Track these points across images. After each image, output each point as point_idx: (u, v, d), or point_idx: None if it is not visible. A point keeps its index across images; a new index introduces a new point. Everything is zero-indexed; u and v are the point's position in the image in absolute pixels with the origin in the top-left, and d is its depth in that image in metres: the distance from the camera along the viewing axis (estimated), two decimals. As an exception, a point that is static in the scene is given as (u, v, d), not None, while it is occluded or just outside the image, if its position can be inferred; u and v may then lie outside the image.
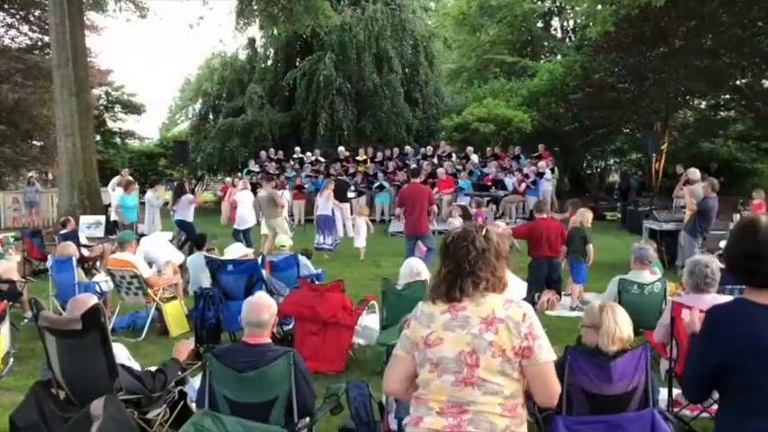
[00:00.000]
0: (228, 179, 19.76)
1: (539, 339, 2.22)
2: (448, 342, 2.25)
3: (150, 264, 7.86)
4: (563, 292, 8.25)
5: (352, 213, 14.18)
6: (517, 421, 2.24)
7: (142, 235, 10.43)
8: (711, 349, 2.10)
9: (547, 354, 2.23)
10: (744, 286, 2.18)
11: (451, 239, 2.37)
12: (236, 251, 7.56)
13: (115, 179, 15.60)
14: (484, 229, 2.39)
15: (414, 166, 17.71)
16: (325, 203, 12.13)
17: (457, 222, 10.82)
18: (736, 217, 10.86)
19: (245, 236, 11.38)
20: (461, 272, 2.29)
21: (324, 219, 11.97)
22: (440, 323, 2.29)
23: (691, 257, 4.78)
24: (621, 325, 3.23)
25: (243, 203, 11.93)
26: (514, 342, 2.19)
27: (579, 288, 8.06)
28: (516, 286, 6.21)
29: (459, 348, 2.22)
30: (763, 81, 19.97)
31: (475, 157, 18.11)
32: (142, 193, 14.11)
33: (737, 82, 18.93)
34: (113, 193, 13.61)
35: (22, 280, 7.75)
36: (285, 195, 13.12)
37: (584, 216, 8.20)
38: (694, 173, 10.10)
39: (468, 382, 2.21)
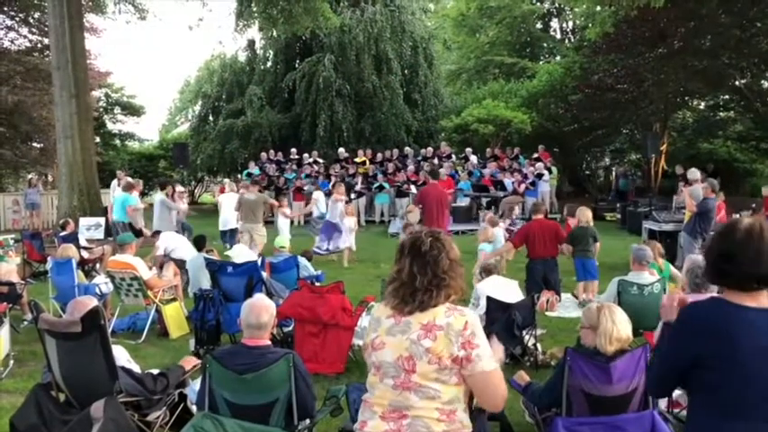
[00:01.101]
0: (227, 180, 19.77)
1: (477, 349, 2.22)
2: (389, 346, 2.29)
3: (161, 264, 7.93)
4: (574, 292, 8.28)
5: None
6: (455, 426, 2.26)
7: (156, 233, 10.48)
8: (684, 346, 2.08)
9: (486, 362, 2.23)
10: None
11: (428, 248, 2.34)
12: (241, 254, 7.56)
13: (114, 181, 15.63)
14: (448, 237, 2.42)
15: (412, 167, 17.75)
16: (333, 207, 11.98)
17: (499, 231, 10.43)
18: (735, 218, 10.88)
19: (230, 237, 11.54)
20: (441, 283, 2.30)
21: (330, 224, 11.79)
22: (384, 327, 2.33)
23: (689, 256, 4.78)
24: (619, 325, 3.23)
25: (225, 205, 12.08)
26: (452, 350, 2.21)
27: (595, 284, 8.09)
28: (513, 288, 6.22)
29: (398, 353, 2.26)
30: (762, 81, 20.01)
31: (474, 158, 18.12)
32: (141, 195, 14.08)
33: (736, 82, 18.96)
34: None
35: (22, 282, 7.73)
36: (320, 198, 13.04)
37: (586, 214, 8.23)
38: (694, 173, 10.11)
39: (405, 386, 2.24)
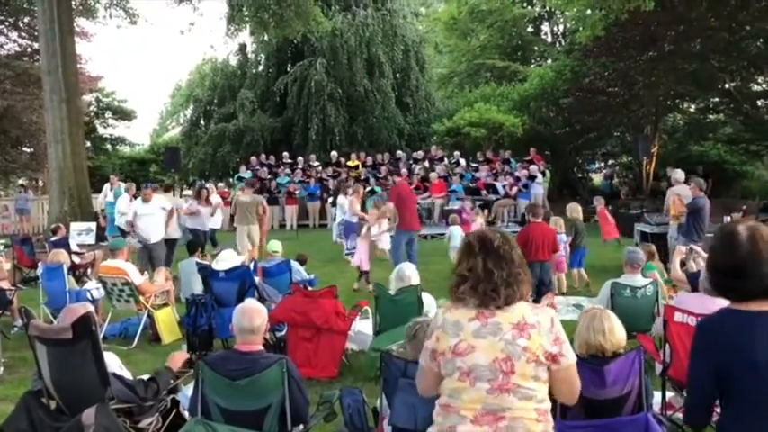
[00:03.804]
0: (221, 184, 19.71)
1: (565, 344, 2.26)
2: (480, 350, 2.23)
3: None
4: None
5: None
6: (550, 426, 2.26)
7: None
8: (704, 362, 2.06)
9: (572, 356, 2.28)
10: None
11: (500, 243, 2.35)
12: (228, 259, 7.52)
13: (107, 185, 15.57)
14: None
15: (404, 170, 17.76)
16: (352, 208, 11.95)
17: (456, 230, 10.72)
18: (727, 219, 10.91)
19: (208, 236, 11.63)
20: (518, 277, 2.30)
21: (351, 225, 11.81)
22: (469, 331, 2.26)
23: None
24: (590, 332, 3.22)
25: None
26: (546, 347, 2.21)
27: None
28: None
29: (493, 356, 2.21)
30: (752, 84, 20.14)
31: (463, 162, 18.15)
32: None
33: (726, 85, 19.07)
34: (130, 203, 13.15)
35: (12, 288, 7.68)
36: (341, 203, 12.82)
37: (579, 210, 9.44)
38: (678, 174, 10.17)
39: (503, 388, 2.20)
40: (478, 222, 10.86)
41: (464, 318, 2.29)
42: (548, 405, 2.26)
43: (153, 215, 9.54)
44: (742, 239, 2.06)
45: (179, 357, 4.26)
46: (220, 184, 18.97)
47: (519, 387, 2.19)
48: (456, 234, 10.31)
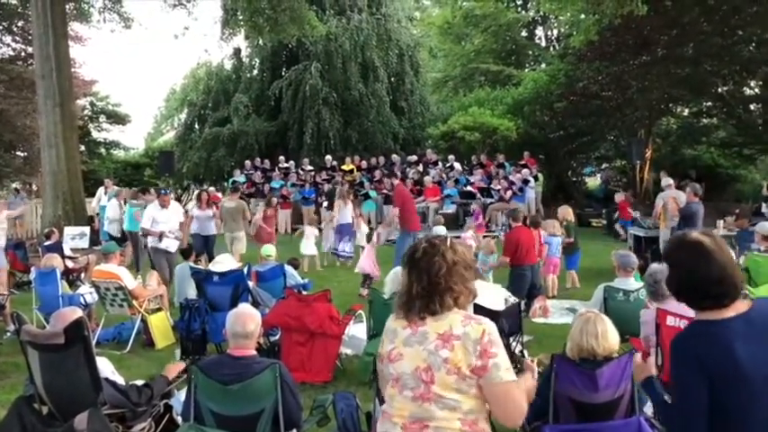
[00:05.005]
0: (212, 188, 19.69)
1: (494, 358, 2.17)
2: (407, 358, 2.26)
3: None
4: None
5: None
6: None
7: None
8: (696, 382, 1.97)
9: (503, 373, 2.17)
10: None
11: (421, 254, 2.34)
12: (224, 263, 7.52)
13: (101, 189, 15.51)
14: (449, 240, 2.40)
15: (399, 174, 17.80)
16: (345, 210, 11.92)
17: (442, 230, 10.77)
18: (720, 223, 10.95)
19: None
20: (437, 288, 2.27)
21: (345, 226, 11.81)
22: (401, 338, 2.30)
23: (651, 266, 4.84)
24: (585, 335, 3.24)
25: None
26: (470, 360, 2.17)
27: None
28: (501, 294, 6.21)
29: (416, 364, 2.23)
30: (744, 88, 20.24)
31: (458, 166, 18.17)
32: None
33: (719, 89, 19.16)
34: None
35: (5, 293, 7.65)
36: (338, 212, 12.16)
37: (570, 212, 9.63)
38: (666, 179, 10.21)
39: (425, 398, 2.21)
40: (470, 233, 10.86)
41: (400, 325, 2.34)
42: (478, 416, 2.22)
43: (168, 223, 9.18)
44: (711, 247, 2.02)
45: (175, 368, 4.25)
46: (211, 189, 18.95)
47: (440, 397, 2.19)
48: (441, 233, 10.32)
